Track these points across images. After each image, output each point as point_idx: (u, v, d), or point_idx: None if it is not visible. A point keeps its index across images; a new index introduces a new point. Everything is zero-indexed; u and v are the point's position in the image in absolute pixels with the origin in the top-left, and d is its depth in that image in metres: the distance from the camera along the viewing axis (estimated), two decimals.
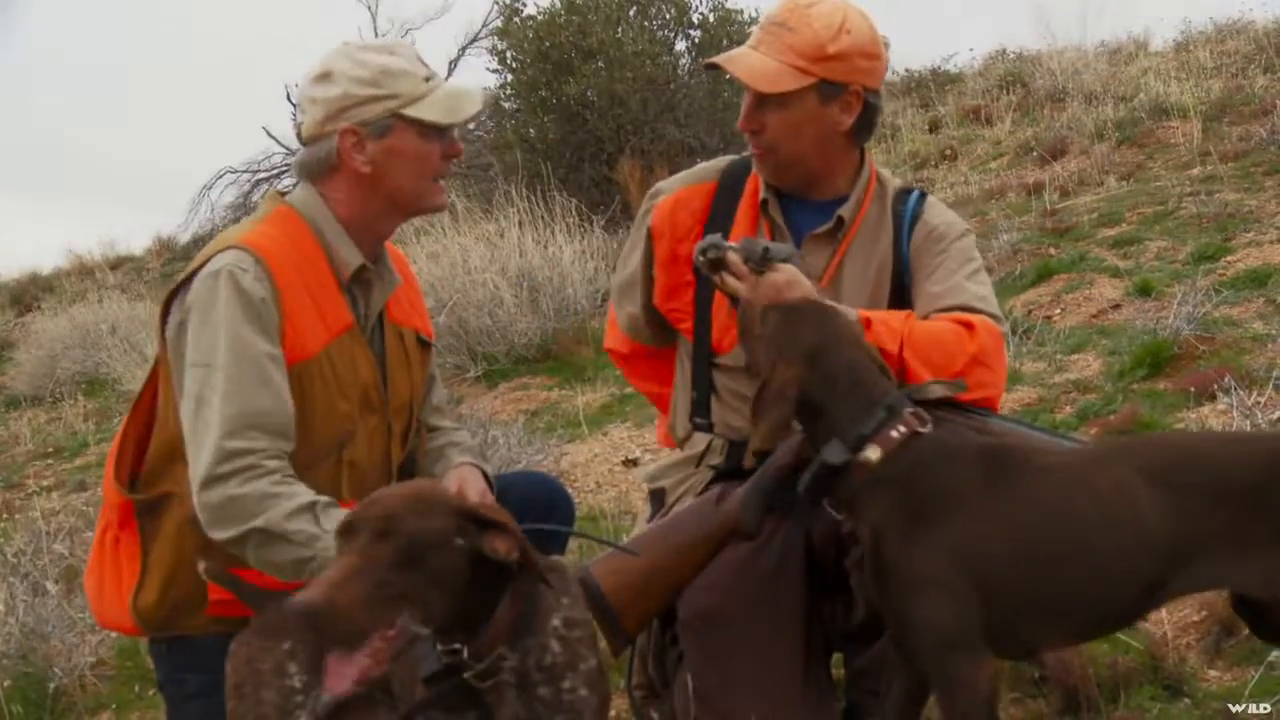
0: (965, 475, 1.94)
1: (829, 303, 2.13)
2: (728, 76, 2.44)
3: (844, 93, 2.31)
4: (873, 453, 1.94)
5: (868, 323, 2.20)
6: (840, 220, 2.40)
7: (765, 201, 2.42)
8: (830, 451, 1.95)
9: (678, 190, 2.51)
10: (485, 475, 2.42)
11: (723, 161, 2.55)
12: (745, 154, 2.50)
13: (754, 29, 2.39)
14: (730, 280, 2.20)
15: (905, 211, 2.43)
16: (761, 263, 2.18)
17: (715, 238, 2.23)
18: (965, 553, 1.90)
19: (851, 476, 1.95)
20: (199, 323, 2.15)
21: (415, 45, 2.34)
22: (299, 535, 2.02)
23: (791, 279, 2.17)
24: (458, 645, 1.78)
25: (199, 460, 2.09)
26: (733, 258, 2.19)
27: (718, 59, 2.45)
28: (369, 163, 2.22)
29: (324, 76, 2.22)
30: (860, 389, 1.97)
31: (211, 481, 2.07)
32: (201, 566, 2.06)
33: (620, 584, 2.17)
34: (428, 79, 2.24)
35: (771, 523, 2.22)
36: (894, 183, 2.48)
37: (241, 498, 2.05)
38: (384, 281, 2.34)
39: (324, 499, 2.08)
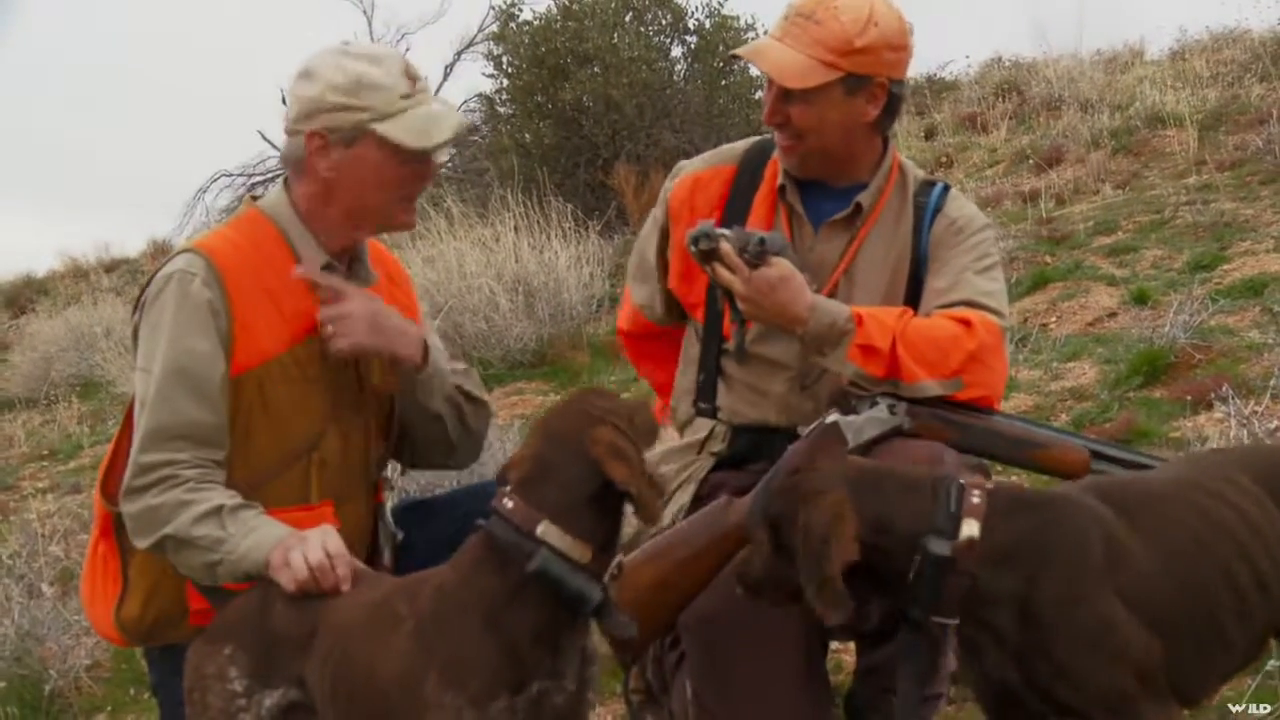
0: (1098, 526, 1.81)
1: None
2: (750, 69, 2.42)
3: (869, 85, 2.28)
4: (968, 527, 1.76)
5: (859, 319, 2.18)
6: (859, 207, 2.37)
7: (783, 187, 2.39)
8: (935, 545, 1.75)
9: (698, 170, 2.48)
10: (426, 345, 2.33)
11: (744, 144, 2.52)
12: (766, 136, 2.47)
13: (778, 19, 2.33)
14: (724, 273, 2.18)
15: (928, 204, 2.40)
16: (757, 255, 2.16)
17: (707, 225, 2.19)
18: (1133, 599, 1.77)
19: (958, 566, 1.75)
20: (146, 327, 2.17)
21: (408, 55, 2.29)
22: (204, 540, 2.04)
23: (785, 274, 2.17)
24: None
25: (127, 470, 2.12)
26: (726, 248, 2.16)
27: (742, 51, 2.43)
28: (332, 169, 2.19)
29: (306, 75, 2.21)
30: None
31: (130, 493, 2.10)
32: None
33: (629, 600, 2.15)
34: (406, 96, 2.18)
35: None
36: (917, 174, 2.45)
37: (158, 506, 2.07)
38: (359, 280, 2.30)
39: (233, 501, 2.08)
